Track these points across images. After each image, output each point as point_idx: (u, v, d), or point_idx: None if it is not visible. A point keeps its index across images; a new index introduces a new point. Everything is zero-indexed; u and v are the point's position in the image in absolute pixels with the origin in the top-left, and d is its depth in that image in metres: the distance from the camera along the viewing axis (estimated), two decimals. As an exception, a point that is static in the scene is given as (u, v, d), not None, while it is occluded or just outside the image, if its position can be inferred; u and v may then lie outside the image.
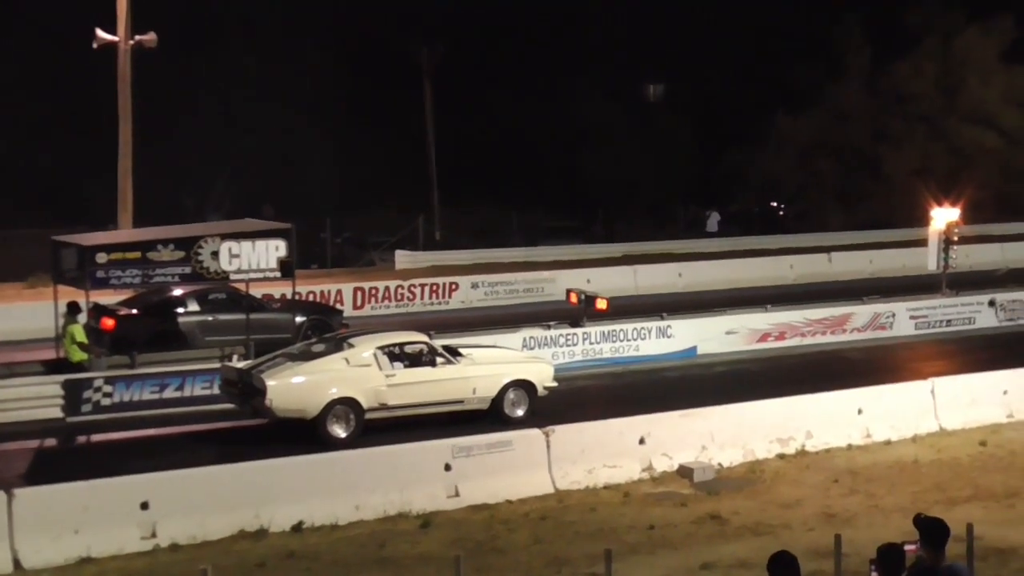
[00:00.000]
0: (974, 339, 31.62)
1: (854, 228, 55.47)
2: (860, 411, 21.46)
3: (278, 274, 26.16)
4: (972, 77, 64.53)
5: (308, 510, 17.03)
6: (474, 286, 38.40)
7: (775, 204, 64.62)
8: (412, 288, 37.25)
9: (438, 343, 23.51)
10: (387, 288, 36.79)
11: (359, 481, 17.71)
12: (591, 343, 28.34)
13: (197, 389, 23.95)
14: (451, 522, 17.40)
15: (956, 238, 34.24)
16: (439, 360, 22.83)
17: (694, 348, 29.22)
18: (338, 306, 33.34)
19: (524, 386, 23.29)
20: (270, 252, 25.79)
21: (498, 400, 23.05)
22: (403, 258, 46.67)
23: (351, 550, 16.25)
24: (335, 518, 17.13)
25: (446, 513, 17.70)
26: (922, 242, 35.54)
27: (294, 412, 21.62)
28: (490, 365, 23.39)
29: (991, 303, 32.94)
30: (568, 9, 66.39)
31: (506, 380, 23.17)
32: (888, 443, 21.19)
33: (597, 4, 67.12)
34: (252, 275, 25.85)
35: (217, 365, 24.51)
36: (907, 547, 9.28)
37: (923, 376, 23.80)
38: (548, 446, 19.00)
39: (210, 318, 27.31)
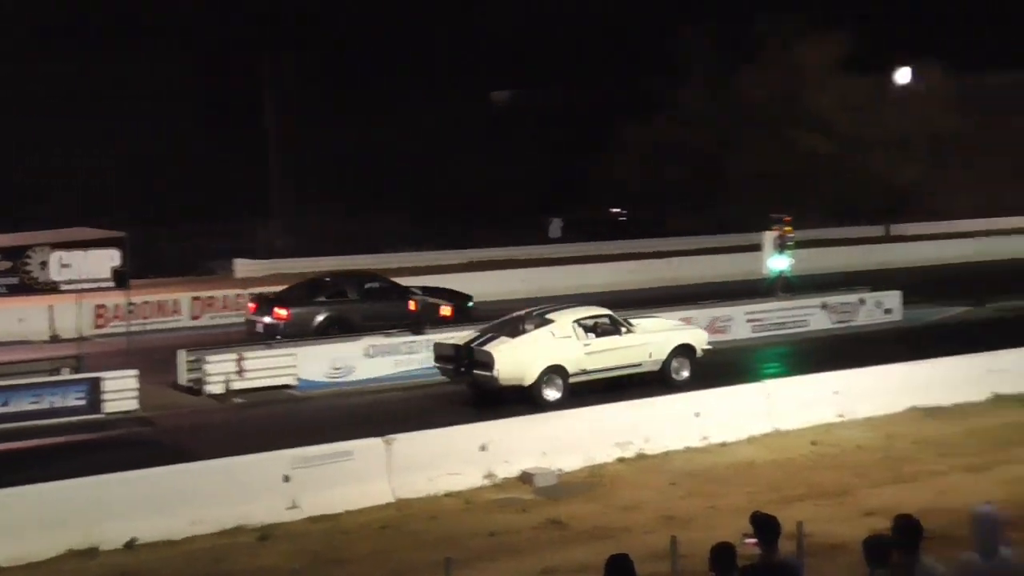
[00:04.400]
0: (807, 341, 32.29)
1: (698, 233, 56.26)
2: (697, 414, 21.69)
3: (112, 284, 25.56)
4: (809, 85, 66.14)
5: (142, 526, 16.58)
6: (317, 294, 37.96)
7: (618, 210, 65.32)
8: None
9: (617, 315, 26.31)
10: (226, 297, 36.23)
11: (195, 495, 17.34)
12: (434, 350, 28.26)
13: (24, 404, 23.24)
14: (291, 534, 17.15)
15: (792, 243, 35.01)
16: (621, 329, 25.71)
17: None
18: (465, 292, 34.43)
19: (686, 349, 26.22)
20: (103, 261, 25.20)
21: (666, 363, 26.03)
22: (243, 266, 45.98)
23: (187, 565, 15.92)
24: (170, 533, 16.74)
25: (286, 525, 17.42)
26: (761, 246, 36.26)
27: (515, 380, 24.41)
28: (658, 332, 26.57)
29: (823, 306, 33.69)
30: (417, 16, 66.39)
31: (674, 344, 26.25)
32: (725, 445, 21.46)
33: (444, 12, 67.25)
34: (84, 285, 25.19)
35: (41, 380, 23.98)
36: (747, 540, 9.40)
37: (759, 378, 24.25)
38: (389, 455, 18.85)
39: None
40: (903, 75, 63.00)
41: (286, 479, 17.97)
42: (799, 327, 33.13)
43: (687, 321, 29.47)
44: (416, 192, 62.98)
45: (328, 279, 32.67)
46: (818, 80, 66.14)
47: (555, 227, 61.36)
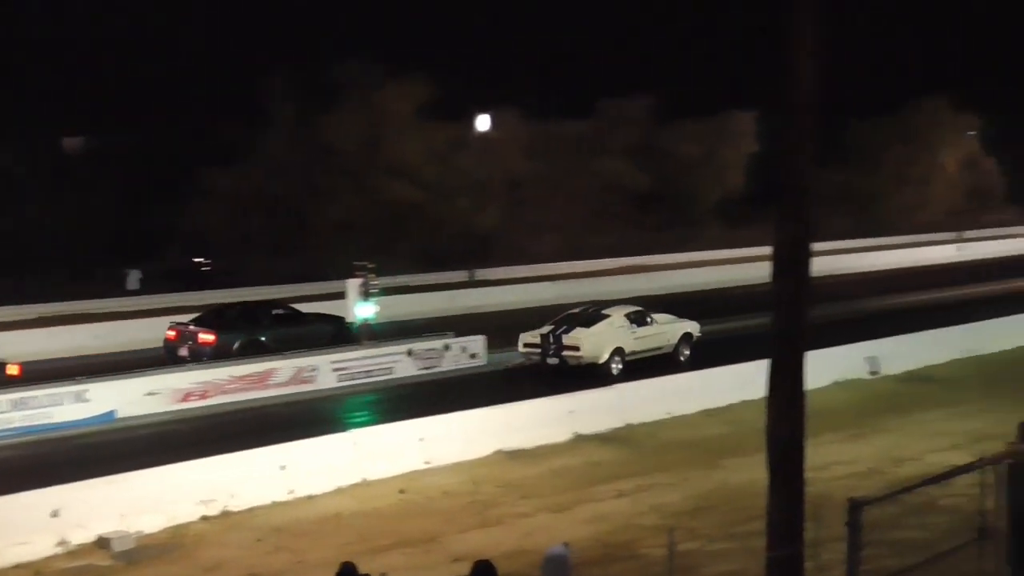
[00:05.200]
0: (393, 388, 32.24)
1: (283, 282, 55.45)
2: (283, 467, 21.23)
3: None
4: (391, 133, 67.02)
5: None
6: None
7: (201, 259, 63.69)
8: None
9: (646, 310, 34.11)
10: None
11: None
12: (-1, 413, 26.39)
13: None
14: None
15: (376, 290, 35.09)
16: (649, 320, 33.47)
17: (113, 412, 27.94)
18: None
19: (688, 336, 34.61)
20: None
21: (676, 346, 34.20)
22: None
23: None
24: None
25: None
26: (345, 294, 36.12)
27: (594, 357, 31.77)
28: (671, 323, 34.51)
29: (409, 352, 33.83)
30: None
31: (682, 332, 34.45)
32: (311, 497, 21.09)
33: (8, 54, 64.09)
34: None
35: None
36: None
37: (345, 428, 24.02)
38: (-55, 528, 17.41)
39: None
40: (483, 122, 64.85)
41: None
42: (385, 375, 33.04)
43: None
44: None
45: (236, 306, 35.70)
46: (400, 127, 67.15)
47: (133, 279, 59.02)
